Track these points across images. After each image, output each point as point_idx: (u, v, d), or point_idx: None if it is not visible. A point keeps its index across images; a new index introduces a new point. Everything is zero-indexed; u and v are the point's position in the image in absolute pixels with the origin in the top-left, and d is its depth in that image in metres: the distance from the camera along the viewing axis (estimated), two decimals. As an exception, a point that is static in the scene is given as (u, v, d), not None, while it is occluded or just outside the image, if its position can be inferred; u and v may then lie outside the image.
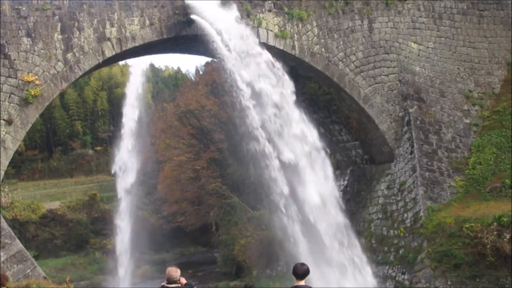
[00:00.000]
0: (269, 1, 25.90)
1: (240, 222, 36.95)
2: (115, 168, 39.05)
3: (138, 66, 41.77)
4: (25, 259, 19.46)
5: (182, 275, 9.18)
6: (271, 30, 25.66)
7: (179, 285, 8.87)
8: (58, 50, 22.16)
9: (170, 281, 8.83)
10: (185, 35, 24.41)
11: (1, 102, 20.87)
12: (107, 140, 77.22)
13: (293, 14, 26.19)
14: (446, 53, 28.96)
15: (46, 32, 22.00)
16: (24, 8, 21.63)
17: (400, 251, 24.06)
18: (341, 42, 27.07)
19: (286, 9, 26.15)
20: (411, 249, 23.53)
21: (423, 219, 23.75)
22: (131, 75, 41.70)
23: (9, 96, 21.10)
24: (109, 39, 23.05)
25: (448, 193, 25.08)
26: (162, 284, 8.94)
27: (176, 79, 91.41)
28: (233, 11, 24.43)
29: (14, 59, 21.35)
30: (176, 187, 47.87)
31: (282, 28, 25.90)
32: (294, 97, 24.12)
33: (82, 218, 54.42)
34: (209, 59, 45.47)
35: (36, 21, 21.83)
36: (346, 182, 29.84)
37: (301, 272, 8.48)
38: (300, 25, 26.36)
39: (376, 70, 27.43)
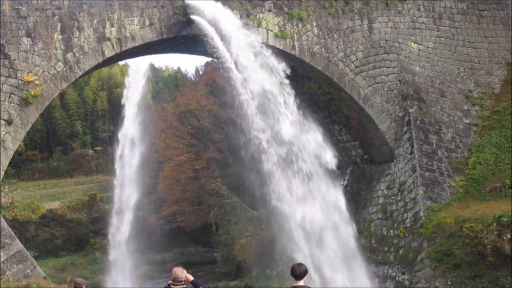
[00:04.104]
0: (269, 1, 25.90)
1: (240, 222, 36.96)
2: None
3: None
4: (25, 259, 19.46)
5: None
6: (271, 30, 25.66)
7: (185, 285, 8.96)
8: (58, 50, 22.17)
9: (176, 280, 8.93)
10: (185, 35, 24.42)
11: (1, 102, 20.88)
12: (107, 140, 77.26)
13: (293, 14, 26.20)
14: (446, 53, 28.96)
15: (46, 32, 22.01)
16: (24, 8, 21.64)
17: (400, 251, 24.06)
18: (341, 42, 27.07)
19: (286, 9, 26.15)
20: (411, 249, 23.54)
21: (423, 219, 23.75)
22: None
23: (9, 96, 21.11)
24: (109, 39, 23.06)
25: (448, 193, 25.08)
26: (168, 282, 9.05)
27: (176, 79, 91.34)
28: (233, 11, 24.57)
29: (14, 59, 21.37)
30: (176, 187, 47.85)
31: (282, 28, 25.90)
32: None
33: (82, 218, 54.47)
34: (209, 59, 45.48)
35: (36, 21, 21.84)
36: (346, 182, 29.83)
37: (299, 272, 8.47)
38: (300, 25, 26.36)
39: (376, 70, 27.43)
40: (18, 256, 19.35)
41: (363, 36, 27.60)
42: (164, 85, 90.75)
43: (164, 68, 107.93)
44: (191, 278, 9.11)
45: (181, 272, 9.03)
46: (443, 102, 27.90)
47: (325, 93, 28.50)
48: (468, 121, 27.94)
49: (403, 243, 24.19)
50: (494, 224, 21.48)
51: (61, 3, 22.42)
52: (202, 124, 46.05)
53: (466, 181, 25.62)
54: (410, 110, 26.82)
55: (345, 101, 27.69)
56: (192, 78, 69.77)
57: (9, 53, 21.29)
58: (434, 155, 26.08)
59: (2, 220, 19.94)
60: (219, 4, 24.30)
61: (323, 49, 26.62)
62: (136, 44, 23.60)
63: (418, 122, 26.66)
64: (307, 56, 26.23)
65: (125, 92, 44.40)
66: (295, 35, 26.12)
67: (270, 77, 23.63)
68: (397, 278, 23.49)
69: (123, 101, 44.17)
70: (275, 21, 25.87)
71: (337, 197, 24.24)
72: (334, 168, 24.69)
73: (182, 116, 48.25)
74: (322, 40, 26.70)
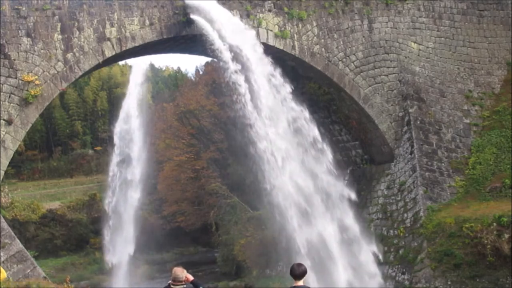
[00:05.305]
0: (269, 1, 25.90)
1: (240, 222, 36.95)
2: None
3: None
4: (25, 259, 19.45)
5: None
6: (271, 30, 25.66)
7: (185, 285, 8.98)
8: (58, 50, 22.17)
9: (176, 280, 8.96)
10: (185, 35, 24.42)
11: (1, 102, 20.88)
12: (107, 140, 77.21)
13: (293, 14, 26.19)
14: (446, 53, 28.96)
15: (46, 32, 22.00)
16: (24, 8, 21.63)
17: (400, 251, 24.06)
18: (341, 42, 27.07)
19: (286, 9, 26.15)
20: (411, 249, 23.54)
21: (423, 219, 23.75)
22: None
23: (9, 96, 21.10)
24: (109, 39, 23.05)
25: (448, 193, 25.08)
26: (168, 282, 9.07)
27: (176, 79, 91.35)
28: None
29: (14, 59, 21.36)
30: (176, 187, 47.86)
31: (282, 28, 25.90)
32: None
33: (82, 218, 54.50)
34: (209, 59, 45.45)
35: (36, 21, 21.83)
36: (346, 182, 29.81)
37: (298, 272, 8.49)
38: (300, 25, 26.36)
39: (376, 70, 27.43)
40: (18, 256, 19.34)
41: (363, 36, 27.60)
42: (164, 85, 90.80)
43: (164, 68, 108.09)
44: (191, 278, 9.12)
45: (181, 272, 9.04)
46: (443, 102, 27.90)
47: (325, 93, 28.50)
48: (468, 121, 27.93)
49: (403, 243, 24.19)
50: (494, 224, 21.48)
51: (61, 3, 22.41)
52: (202, 124, 46.04)
53: (466, 181, 25.62)
54: (410, 110, 26.82)
55: (345, 101, 27.69)
56: (192, 78, 69.72)
57: (9, 53, 21.28)
58: (434, 155, 26.08)
59: (2, 220, 19.94)
60: (219, 3, 24.32)
61: (323, 49, 26.61)
62: (136, 44, 23.59)
63: (418, 122, 26.66)
64: (307, 56, 26.23)
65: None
66: (295, 35, 26.11)
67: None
68: (397, 278, 23.48)
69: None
70: (275, 21, 25.87)
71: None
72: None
73: (182, 116, 48.25)
74: (322, 40, 26.69)
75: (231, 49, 23.23)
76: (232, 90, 23.50)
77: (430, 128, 26.78)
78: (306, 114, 24.44)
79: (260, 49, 24.43)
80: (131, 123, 40.43)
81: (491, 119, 27.85)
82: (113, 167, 40.43)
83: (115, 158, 40.54)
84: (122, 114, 41.77)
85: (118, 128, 41.17)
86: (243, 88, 23.27)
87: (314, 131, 24.33)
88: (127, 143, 40.30)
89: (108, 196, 39.37)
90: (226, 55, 23.23)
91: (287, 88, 24.13)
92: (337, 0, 27.29)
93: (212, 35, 23.08)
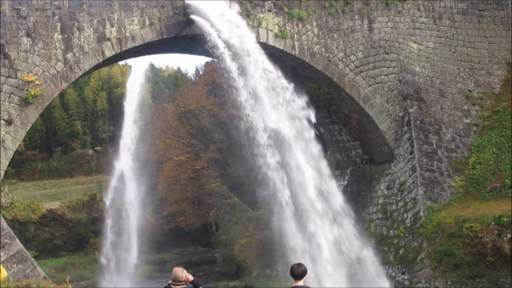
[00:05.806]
0: (269, 1, 25.90)
1: (240, 222, 36.96)
2: None
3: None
4: (25, 259, 19.45)
5: None
6: (271, 30, 25.66)
7: (185, 285, 8.99)
8: (58, 50, 22.16)
9: (176, 280, 8.97)
10: (185, 35, 24.42)
11: (1, 102, 20.87)
12: (107, 140, 77.25)
13: (293, 14, 26.20)
14: (446, 53, 28.96)
15: (46, 32, 22.00)
16: (24, 8, 21.63)
17: (400, 251, 24.06)
18: (341, 42, 27.07)
19: (286, 9, 26.15)
20: (411, 249, 23.54)
21: (423, 219, 23.76)
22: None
23: (9, 96, 21.10)
24: (109, 39, 23.05)
25: (448, 193, 25.08)
26: (168, 282, 9.09)
27: (176, 79, 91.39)
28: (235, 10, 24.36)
29: (14, 59, 21.35)
30: (176, 187, 47.89)
31: (282, 28, 25.90)
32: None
33: (82, 218, 54.54)
34: (209, 59, 45.48)
35: (36, 21, 21.83)
36: (346, 182, 29.83)
37: (298, 272, 8.49)
38: (300, 25, 26.36)
39: (376, 70, 27.43)
40: (18, 256, 19.33)
41: (363, 36, 27.60)
42: (164, 85, 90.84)
43: (164, 68, 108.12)
44: (191, 278, 9.13)
45: (181, 272, 9.05)
46: (443, 102, 27.90)
47: (325, 93, 28.49)
48: (468, 121, 27.94)
49: (403, 243, 24.19)
50: (494, 224, 21.48)
51: (61, 3, 22.41)
52: (202, 124, 46.08)
53: (466, 181, 25.62)
54: (410, 110, 26.82)
55: (345, 101, 27.69)
56: (192, 78, 69.82)
57: (9, 53, 21.27)
58: (434, 155, 26.08)
59: (2, 220, 19.94)
60: (220, 3, 24.29)
61: (323, 49, 26.62)
62: (136, 44, 23.59)
63: (418, 122, 26.66)
64: (307, 56, 26.23)
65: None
66: (295, 35, 26.11)
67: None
68: (397, 278, 23.48)
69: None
70: (275, 21, 25.87)
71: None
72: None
73: (182, 116, 48.28)
74: (322, 40, 26.70)
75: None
76: (255, 158, 21.34)
77: (430, 128, 26.79)
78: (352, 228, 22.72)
79: (311, 134, 22.37)
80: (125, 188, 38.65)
81: (491, 119, 27.86)
82: (106, 252, 38.05)
83: (109, 239, 38.49)
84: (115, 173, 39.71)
85: (111, 193, 39.24)
86: (278, 182, 20.71)
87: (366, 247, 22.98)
88: (122, 216, 38.55)
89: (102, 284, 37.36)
90: (259, 133, 21.06)
91: (339, 195, 22.29)
92: (337, 0, 27.30)
93: (212, 34, 22.93)
